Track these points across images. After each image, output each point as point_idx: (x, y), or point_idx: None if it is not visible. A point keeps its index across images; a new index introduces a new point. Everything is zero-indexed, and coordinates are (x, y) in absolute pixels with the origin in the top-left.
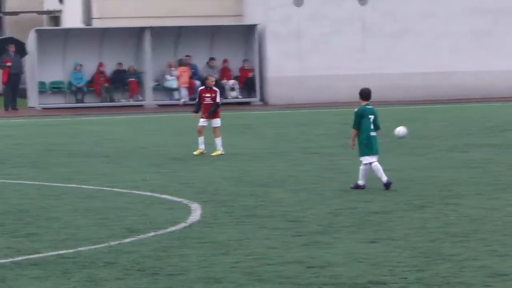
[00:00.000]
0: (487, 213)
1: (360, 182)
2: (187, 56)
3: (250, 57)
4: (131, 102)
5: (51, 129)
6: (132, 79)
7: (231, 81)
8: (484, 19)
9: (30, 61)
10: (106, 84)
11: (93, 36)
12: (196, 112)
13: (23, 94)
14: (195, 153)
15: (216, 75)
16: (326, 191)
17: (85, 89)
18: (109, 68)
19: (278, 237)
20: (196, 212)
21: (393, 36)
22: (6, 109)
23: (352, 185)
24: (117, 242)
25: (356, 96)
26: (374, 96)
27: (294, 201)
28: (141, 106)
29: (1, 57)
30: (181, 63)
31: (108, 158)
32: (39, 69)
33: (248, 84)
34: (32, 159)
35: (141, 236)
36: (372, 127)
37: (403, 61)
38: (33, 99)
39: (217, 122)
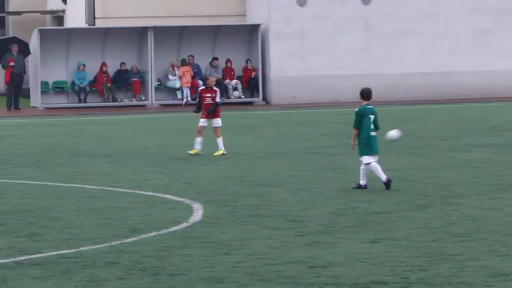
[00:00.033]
0: (488, 213)
1: (362, 182)
2: (190, 56)
3: (253, 57)
4: (134, 102)
5: (53, 129)
6: (135, 79)
7: (234, 81)
8: (485, 19)
9: (33, 61)
10: (109, 84)
11: (96, 36)
12: (197, 112)
13: (26, 94)
14: (190, 152)
15: (219, 75)
16: (327, 191)
17: (88, 89)
18: (112, 68)
19: (279, 237)
20: (198, 212)
21: (396, 36)
22: (9, 109)
23: (353, 185)
24: (118, 242)
25: (359, 96)
26: (377, 96)
27: (296, 201)
28: (143, 106)
29: (4, 57)
30: (183, 63)
31: (111, 158)
32: (42, 69)
33: (251, 84)
34: (34, 159)
35: (143, 236)
36: (372, 127)
37: (406, 61)
38: (36, 99)
39: (217, 122)
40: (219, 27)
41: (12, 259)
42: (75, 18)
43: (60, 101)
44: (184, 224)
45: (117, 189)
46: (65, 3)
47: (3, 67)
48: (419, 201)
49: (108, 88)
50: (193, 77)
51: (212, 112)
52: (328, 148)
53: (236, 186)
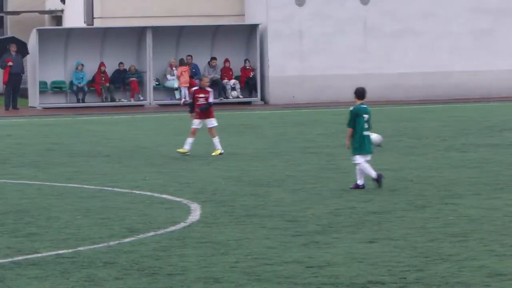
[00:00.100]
0: (486, 213)
1: (359, 182)
2: (188, 56)
3: (252, 57)
4: (132, 102)
5: (51, 129)
6: (133, 78)
7: (232, 81)
8: (484, 19)
9: (31, 61)
10: (107, 84)
11: (94, 35)
12: (192, 112)
13: (24, 94)
14: (179, 150)
15: (217, 75)
16: (325, 191)
17: (86, 88)
18: (110, 68)
19: (277, 237)
20: (195, 212)
21: (395, 36)
22: (7, 109)
23: (351, 186)
24: (116, 242)
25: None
26: (376, 96)
27: (294, 201)
28: (142, 106)
29: (2, 56)
30: (182, 63)
31: (109, 158)
32: (41, 69)
33: (249, 84)
34: (32, 159)
35: (141, 236)
36: (366, 126)
37: (405, 61)
38: (34, 99)
39: (211, 122)
40: (217, 27)
41: (10, 259)
42: (74, 18)
43: (58, 101)
44: (182, 224)
45: (115, 189)
46: (64, 3)
47: (2, 67)
48: (417, 201)
49: (106, 88)
50: (191, 77)
51: (204, 111)
52: (326, 148)
53: (233, 186)
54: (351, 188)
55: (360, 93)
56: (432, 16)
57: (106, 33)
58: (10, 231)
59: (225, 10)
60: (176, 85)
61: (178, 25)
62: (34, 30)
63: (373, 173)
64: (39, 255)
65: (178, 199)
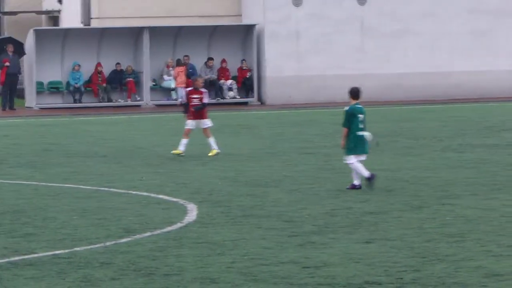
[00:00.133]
0: (483, 214)
1: (356, 182)
2: (185, 56)
3: (248, 57)
4: (129, 102)
5: (48, 129)
6: (130, 79)
7: (229, 81)
8: (484, 19)
9: (28, 61)
10: (104, 84)
11: (91, 36)
12: (186, 113)
13: (21, 94)
14: (173, 152)
15: (214, 75)
16: (322, 191)
17: (83, 89)
18: (107, 68)
19: (273, 237)
20: (192, 212)
21: (392, 36)
22: (4, 109)
23: (348, 186)
24: (113, 242)
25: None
26: (373, 96)
27: (290, 201)
28: (138, 106)
29: None
30: (178, 63)
31: (106, 158)
32: (37, 69)
33: (246, 84)
34: (29, 159)
35: (137, 236)
36: (361, 126)
37: (402, 61)
38: (31, 99)
39: (206, 123)
40: (214, 28)
41: (6, 260)
42: (71, 18)
43: (55, 101)
44: (178, 225)
45: (112, 189)
46: (61, 3)
47: None
48: (413, 201)
49: (103, 88)
50: (188, 77)
51: (198, 111)
52: (323, 148)
53: (230, 186)
54: (347, 189)
55: (355, 93)
56: (429, 16)
57: (103, 33)
58: (6, 232)
59: (222, 11)
60: (173, 85)
61: (175, 26)
62: (31, 31)
63: (366, 173)
64: (36, 255)
65: (174, 199)
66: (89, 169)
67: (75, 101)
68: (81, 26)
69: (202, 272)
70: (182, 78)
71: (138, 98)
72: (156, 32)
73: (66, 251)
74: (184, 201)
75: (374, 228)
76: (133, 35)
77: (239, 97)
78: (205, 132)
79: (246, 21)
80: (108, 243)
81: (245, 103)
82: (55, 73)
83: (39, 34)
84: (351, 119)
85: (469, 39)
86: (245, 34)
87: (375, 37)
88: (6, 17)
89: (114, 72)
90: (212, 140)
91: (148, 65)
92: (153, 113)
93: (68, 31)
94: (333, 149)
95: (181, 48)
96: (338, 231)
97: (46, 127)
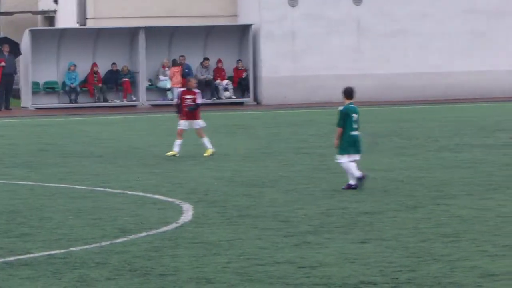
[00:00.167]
0: (478, 214)
1: (351, 182)
2: (181, 56)
3: (244, 58)
4: (125, 102)
5: (44, 129)
6: (126, 79)
7: (225, 81)
8: (480, 20)
9: (24, 61)
10: (100, 84)
11: (87, 36)
12: (178, 113)
13: (17, 94)
14: (168, 154)
15: (210, 75)
16: (318, 191)
17: (78, 89)
18: (103, 68)
19: (269, 237)
20: (188, 212)
21: (388, 36)
22: None
23: (343, 186)
24: (108, 242)
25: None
26: (369, 96)
27: (286, 201)
28: (134, 106)
29: None
30: (174, 63)
31: (101, 158)
32: (33, 69)
33: (241, 84)
34: (25, 159)
35: (133, 236)
36: (355, 126)
37: (398, 61)
38: (27, 99)
39: (198, 123)
40: (210, 28)
41: (2, 260)
42: (66, 19)
43: (51, 101)
44: (174, 225)
45: (107, 189)
46: (57, 4)
47: None
48: (409, 201)
49: (99, 88)
50: (183, 77)
51: (192, 111)
52: (319, 148)
53: (226, 186)
54: (343, 189)
55: (349, 93)
56: (425, 16)
57: (99, 33)
58: (2, 232)
59: (218, 11)
60: (168, 85)
61: (171, 26)
62: (27, 31)
63: (357, 173)
64: (31, 255)
65: (170, 199)
66: (85, 169)
67: (71, 101)
68: (77, 26)
69: (197, 272)
70: (178, 78)
71: (134, 98)
72: (152, 32)
73: (62, 251)
74: (179, 201)
75: (369, 228)
76: (129, 35)
77: (235, 97)
78: (198, 132)
79: (242, 21)
80: (103, 243)
81: (241, 103)
82: (51, 73)
83: (35, 34)
84: (345, 119)
85: (468, 39)
86: (241, 34)
87: (371, 37)
88: (1, 17)
89: (110, 72)
90: (206, 140)
91: (144, 65)
92: (149, 113)
93: (64, 31)
94: (328, 149)
95: (177, 48)
96: (334, 231)
97: (42, 127)
